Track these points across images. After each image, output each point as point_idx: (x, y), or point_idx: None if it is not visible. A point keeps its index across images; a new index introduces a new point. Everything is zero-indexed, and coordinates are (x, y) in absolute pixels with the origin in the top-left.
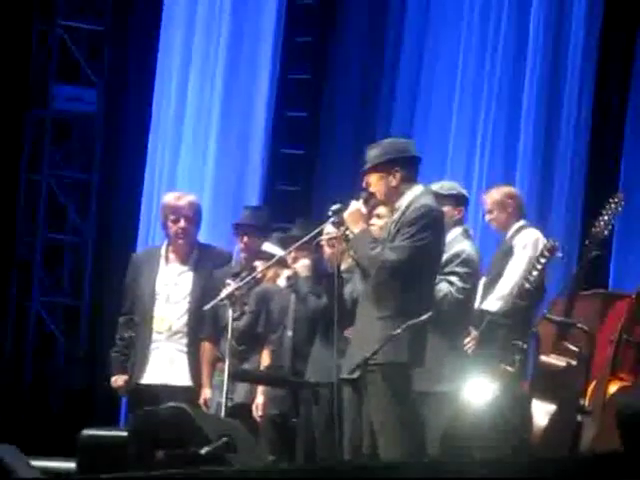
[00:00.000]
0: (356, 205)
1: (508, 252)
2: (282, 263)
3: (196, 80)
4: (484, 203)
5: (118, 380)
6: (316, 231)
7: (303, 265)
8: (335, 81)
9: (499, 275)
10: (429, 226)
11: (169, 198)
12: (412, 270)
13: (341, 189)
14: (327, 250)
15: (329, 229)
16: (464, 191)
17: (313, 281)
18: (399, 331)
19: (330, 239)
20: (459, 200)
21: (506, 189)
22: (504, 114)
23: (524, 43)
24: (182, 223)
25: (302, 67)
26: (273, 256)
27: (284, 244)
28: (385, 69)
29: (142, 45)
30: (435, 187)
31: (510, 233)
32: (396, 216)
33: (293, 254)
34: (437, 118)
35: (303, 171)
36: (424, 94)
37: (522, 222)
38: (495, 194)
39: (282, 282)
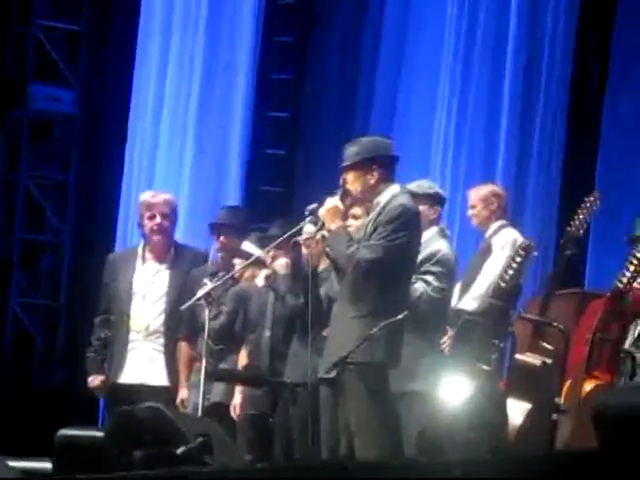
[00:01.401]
0: (332, 202)
1: (486, 251)
2: (260, 263)
3: (174, 80)
4: (468, 198)
5: (95, 380)
6: (293, 230)
7: (281, 264)
8: (316, 81)
9: (476, 274)
10: (405, 226)
11: (145, 196)
12: (388, 269)
13: (323, 190)
14: (305, 250)
15: (309, 228)
16: (441, 190)
17: (291, 280)
18: (375, 330)
19: (307, 239)
20: (435, 199)
21: (493, 187)
22: (483, 113)
23: (504, 37)
24: (158, 219)
25: (283, 67)
26: (251, 256)
27: (262, 244)
28: (365, 68)
29: (119, 45)
30: (412, 186)
31: (490, 232)
32: (372, 215)
33: (272, 253)
34: (418, 117)
35: (285, 172)
36: (404, 93)
37: (503, 221)
38: (481, 190)
39: (260, 282)
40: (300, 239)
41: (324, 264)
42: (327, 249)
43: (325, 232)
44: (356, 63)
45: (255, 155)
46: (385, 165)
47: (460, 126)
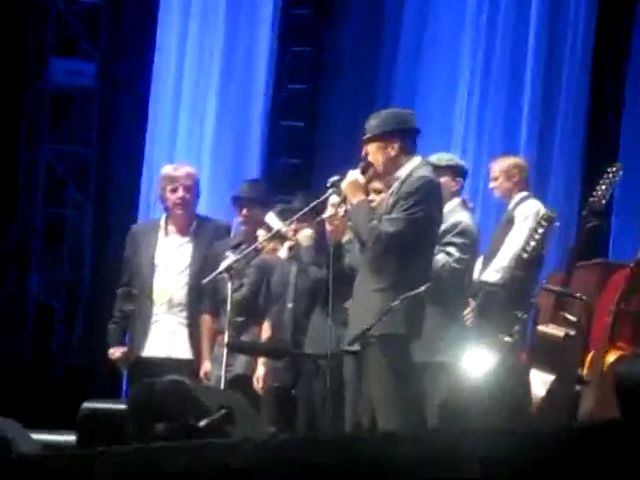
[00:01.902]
0: (354, 175)
1: (509, 223)
2: (281, 237)
3: (194, 52)
4: (490, 170)
5: (116, 352)
6: (316, 202)
7: (305, 235)
8: (334, 53)
9: (499, 246)
10: (427, 198)
11: (167, 169)
12: (409, 242)
13: (341, 161)
14: (328, 227)
15: (334, 199)
16: (462, 162)
17: (315, 251)
18: (397, 303)
19: (331, 217)
20: (457, 171)
21: (515, 159)
22: (505, 85)
23: (527, 6)
24: (180, 192)
25: (302, 40)
26: (273, 228)
27: (285, 216)
28: (386, 36)
29: (140, 18)
30: (433, 159)
31: (512, 204)
32: (394, 188)
33: (294, 226)
34: (440, 89)
35: (303, 144)
36: (426, 62)
37: (525, 193)
38: (503, 162)
39: (284, 253)
40: (324, 217)
41: (348, 235)
42: (349, 223)
43: (348, 206)
44: (377, 35)
45: (273, 127)
46: (406, 138)
47: (482, 99)
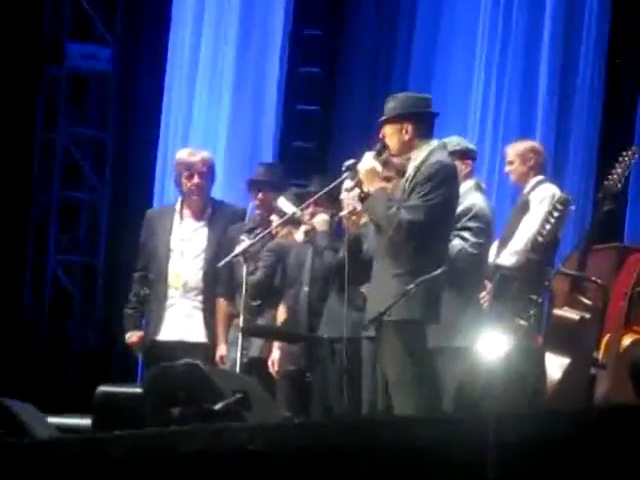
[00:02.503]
0: (370, 161)
1: (524, 207)
2: (296, 220)
3: (210, 37)
4: (506, 154)
5: (132, 337)
6: (330, 187)
7: (321, 220)
8: (350, 36)
9: (514, 230)
10: (443, 182)
11: (183, 154)
12: (428, 228)
13: (356, 145)
14: (346, 222)
15: (348, 184)
16: (470, 145)
17: (331, 236)
18: (412, 287)
19: (350, 213)
20: (466, 154)
21: (530, 143)
22: (521, 69)
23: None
24: (196, 179)
25: (316, 23)
26: (286, 213)
27: (301, 200)
28: (402, 21)
29: (155, 2)
30: None
31: (527, 188)
32: (410, 172)
33: (310, 210)
34: (456, 73)
35: (318, 128)
36: (443, 46)
37: (541, 177)
38: (519, 146)
39: (300, 237)
40: (343, 214)
41: (364, 219)
42: (367, 211)
43: (364, 189)
44: (392, 16)
45: (288, 111)
46: (421, 121)
47: (499, 83)
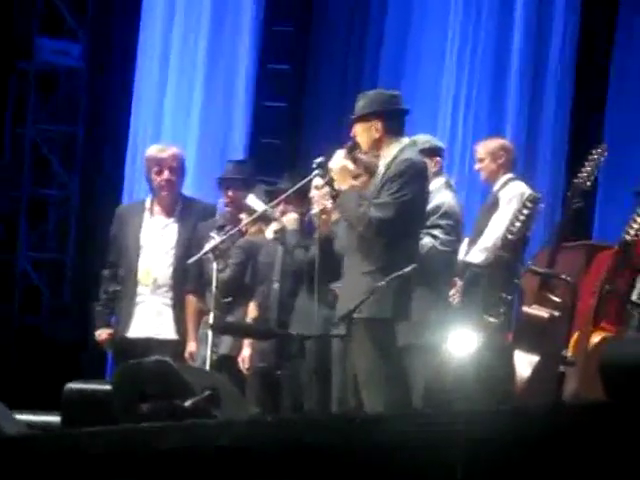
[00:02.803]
0: (341, 160)
1: (494, 205)
2: (266, 217)
3: (180, 33)
4: (476, 152)
5: (102, 334)
6: (301, 184)
7: (291, 218)
8: (320, 33)
9: (484, 227)
10: (413, 180)
11: (153, 150)
12: (398, 226)
13: (326, 142)
14: (316, 221)
15: (317, 182)
16: (439, 143)
17: (301, 234)
18: (382, 284)
19: (321, 212)
20: (434, 151)
21: (501, 141)
22: (491, 67)
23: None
24: (166, 174)
25: (286, 19)
26: (256, 210)
27: (271, 197)
28: (372, 17)
29: None
30: None
31: (497, 186)
32: (381, 170)
33: (281, 207)
34: (427, 68)
35: (288, 124)
36: (412, 44)
37: (510, 175)
38: (489, 144)
39: (269, 235)
40: (314, 212)
41: (335, 216)
42: (339, 209)
43: (335, 186)
44: (364, 17)
45: (257, 108)
46: (391, 118)
47: (469, 80)
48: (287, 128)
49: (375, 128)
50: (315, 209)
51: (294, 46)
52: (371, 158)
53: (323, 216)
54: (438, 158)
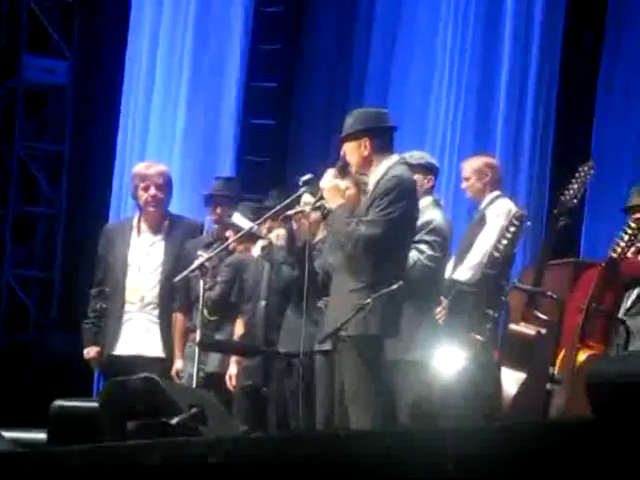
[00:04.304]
0: (332, 179)
1: (480, 222)
2: (253, 235)
3: (166, 52)
4: (462, 170)
5: (90, 352)
6: (287, 201)
7: (278, 235)
8: (307, 50)
9: (470, 245)
10: (401, 197)
11: (139, 167)
12: (386, 243)
13: (313, 159)
14: (295, 224)
15: (307, 198)
16: (433, 160)
17: (287, 251)
18: (369, 301)
19: (297, 213)
20: (428, 169)
21: (486, 159)
22: (477, 84)
23: (499, 4)
24: (152, 191)
25: (273, 37)
26: (242, 228)
27: (258, 215)
28: (358, 38)
29: (112, 16)
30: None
31: (484, 203)
32: (370, 187)
33: (268, 225)
34: (413, 84)
35: (274, 142)
36: (399, 62)
37: (497, 192)
38: (474, 162)
39: (256, 252)
40: (290, 213)
41: (320, 236)
42: (329, 227)
43: (324, 204)
44: (350, 31)
45: (244, 125)
46: (379, 136)
47: (456, 97)
48: (274, 145)
49: (364, 146)
50: (292, 211)
51: (281, 63)
52: (361, 176)
53: (300, 219)
54: (431, 176)
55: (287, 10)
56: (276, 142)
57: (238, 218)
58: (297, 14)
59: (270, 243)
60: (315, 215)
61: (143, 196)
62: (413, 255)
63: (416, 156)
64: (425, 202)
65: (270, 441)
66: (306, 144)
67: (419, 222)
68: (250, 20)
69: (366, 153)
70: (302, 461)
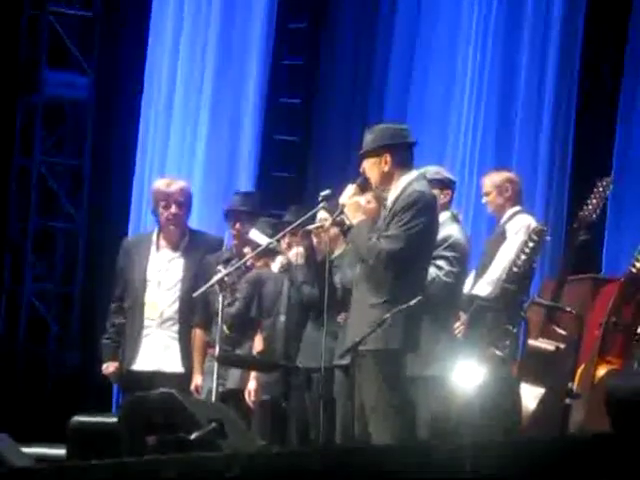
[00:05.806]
0: (353, 195)
1: (501, 237)
2: (271, 251)
3: (187, 66)
4: (482, 185)
5: (109, 367)
6: (306, 217)
7: (296, 253)
8: (328, 67)
9: (491, 260)
10: (422, 212)
11: (160, 184)
12: (407, 258)
13: (334, 175)
14: (315, 239)
15: (322, 215)
16: (449, 175)
17: (307, 267)
18: (388, 315)
19: (317, 228)
20: (445, 184)
21: (507, 174)
22: (497, 99)
23: (519, 17)
24: (173, 209)
25: (295, 53)
26: (260, 244)
27: (277, 230)
28: (378, 54)
29: (132, 31)
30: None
31: (504, 218)
32: (390, 202)
33: (287, 240)
34: (433, 101)
35: (296, 158)
36: (418, 78)
37: (517, 208)
38: (495, 177)
39: (275, 267)
40: (310, 227)
41: (339, 250)
42: (350, 242)
43: (344, 219)
44: (368, 48)
45: (266, 140)
46: (399, 152)
47: (476, 112)
48: (296, 161)
49: (384, 162)
50: (312, 225)
51: (303, 79)
52: (381, 192)
53: (320, 234)
54: (448, 191)
55: (309, 26)
56: (299, 158)
57: (255, 234)
58: (319, 30)
59: (289, 262)
60: (334, 230)
61: (164, 214)
62: (432, 272)
63: (432, 171)
64: (443, 217)
65: (287, 456)
66: (327, 160)
67: (438, 237)
68: (272, 36)
69: (386, 169)
70: (320, 476)
